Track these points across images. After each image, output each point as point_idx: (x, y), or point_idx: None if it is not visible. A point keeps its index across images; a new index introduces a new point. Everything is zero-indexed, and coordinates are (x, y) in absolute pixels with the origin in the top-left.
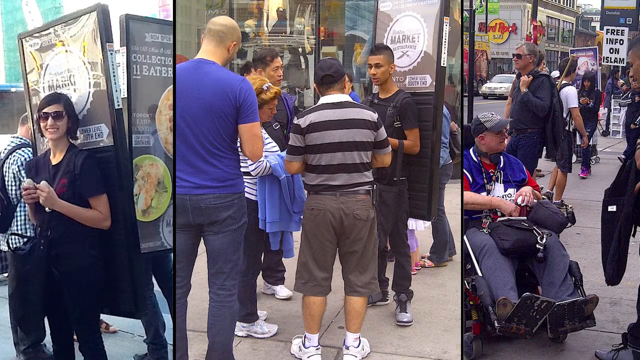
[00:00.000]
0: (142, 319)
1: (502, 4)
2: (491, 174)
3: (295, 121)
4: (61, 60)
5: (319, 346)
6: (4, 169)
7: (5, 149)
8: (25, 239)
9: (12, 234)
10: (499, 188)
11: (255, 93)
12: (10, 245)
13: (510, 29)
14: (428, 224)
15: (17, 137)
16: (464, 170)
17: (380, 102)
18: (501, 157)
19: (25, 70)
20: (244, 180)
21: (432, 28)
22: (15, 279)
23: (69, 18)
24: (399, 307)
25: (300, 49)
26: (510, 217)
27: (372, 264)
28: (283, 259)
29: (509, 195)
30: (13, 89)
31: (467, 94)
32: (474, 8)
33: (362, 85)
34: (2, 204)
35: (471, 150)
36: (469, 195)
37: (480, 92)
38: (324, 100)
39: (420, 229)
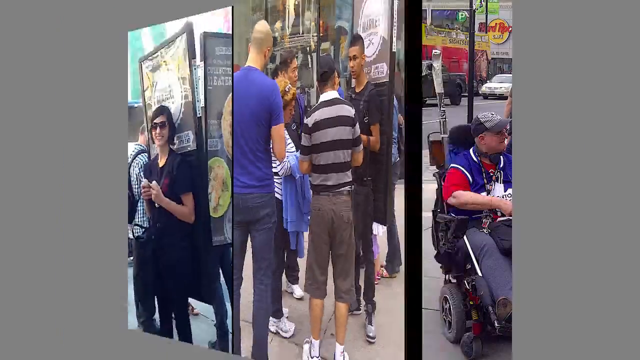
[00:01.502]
0: (212, 305)
1: (502, 4)
2: (491, 174)
3: (305, 120)
4: (164, 77)
5: (320, 357)
6: (130, 171)
7: (131, 154)
8: (143, 229)
9: (135, 224)
10: (499, 188)
11: (281, 95)
12: (133, 234)
13: (510, 29)
14: (385, 229)
15: (138, 145)
16: (464, 170)
17: (356, 97)
18: (501, 157)
19: (143, 88)
20: (274, 180)
21: (388, 8)
22: (137, 263)
23: (169, 40)
24: (367, 318)
25: (307, 48)
26: (510, 217)
27: (352, 269)
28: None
29: (509, 195)
30: (136, 105)
31: (467, 94)
32: (474, 8)
33: (345, 80)
34: (131, 200)
35: (471, 150)
36: (469, 195)
37: (480, 92)
38: (322, 97)
39: (379, 234)
